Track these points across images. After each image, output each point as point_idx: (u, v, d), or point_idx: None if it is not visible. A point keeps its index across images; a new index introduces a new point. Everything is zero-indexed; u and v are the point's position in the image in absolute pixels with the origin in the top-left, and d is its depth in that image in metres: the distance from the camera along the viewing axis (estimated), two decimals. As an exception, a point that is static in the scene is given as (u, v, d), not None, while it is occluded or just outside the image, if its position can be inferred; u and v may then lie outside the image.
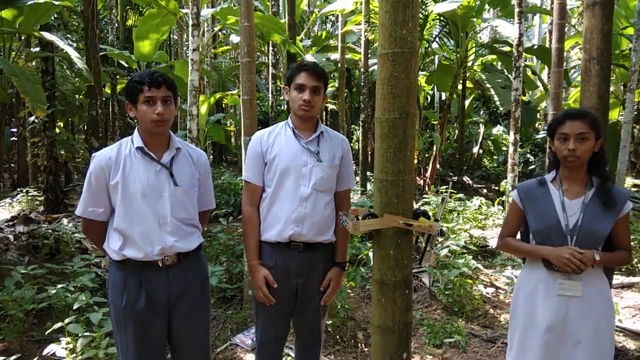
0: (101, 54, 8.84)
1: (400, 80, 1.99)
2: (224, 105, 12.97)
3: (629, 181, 13.25)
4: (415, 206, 7.37)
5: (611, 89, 12.23)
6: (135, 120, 2.09)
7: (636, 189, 12.17)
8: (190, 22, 5.03)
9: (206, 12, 8.11)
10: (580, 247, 1.93)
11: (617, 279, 5.32)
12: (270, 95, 9.11)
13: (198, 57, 4.67)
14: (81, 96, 9.52)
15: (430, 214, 2.19)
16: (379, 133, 2.08)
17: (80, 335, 2.82)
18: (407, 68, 1.98)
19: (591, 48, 3.29)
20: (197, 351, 2.19)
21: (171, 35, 17.08)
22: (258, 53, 15.10)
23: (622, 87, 11.23)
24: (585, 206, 1.96)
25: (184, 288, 2.10)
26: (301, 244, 2.22)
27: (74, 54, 6.54)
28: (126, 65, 11.89)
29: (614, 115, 11.81)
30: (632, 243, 5.94)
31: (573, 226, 1.96)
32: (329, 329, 3.54)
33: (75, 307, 3.16)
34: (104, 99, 8.93)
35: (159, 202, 2.02)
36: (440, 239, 4.25)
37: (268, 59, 10.14)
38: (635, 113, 10.99)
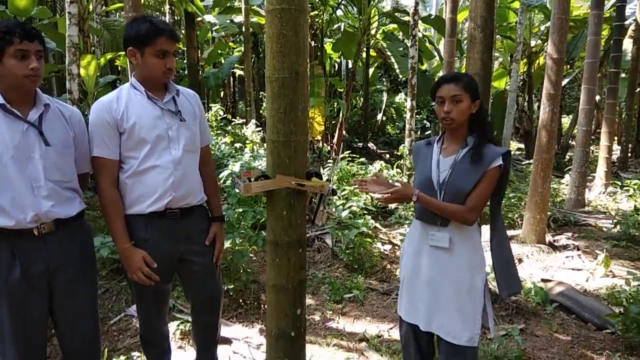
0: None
1: (288, 38, 1.96)
2: (119, 67, 12.08)
3: (514, 145, 14.59)
4: (323, 172, 7.48)
5: (499, 59, 13.21)
6: None
7: (520, 152, 13.44)
8: (69, -27, 4.54)
9: (93, -37, 7.38)
10: (447, 201, 2.03)
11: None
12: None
13: (77, 10, 4.23)
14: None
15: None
16: (270, 93, 2.05)
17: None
18: (296, 26, 1.96)
19: (476, 16, 3.49)
20: (83, 325, 2.06)
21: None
22: (157, 13, 14.12)
23: (509, 58, 12.15)
24: (455, 163, 2.06)
25: (64, 258, 1.95)
26: (177, 211, 2.14)
27: None
28: None
29: (502, 84, 12.82)
30: (512, 200, 6.60)
31: (442, 181, 2.07)
32: (231, 293, 3.54)
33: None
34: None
35: (29, 164, 1.84)
36: (333, 198, 4.37)
37: (166, 19, 9.53)
38: (520, 82, 12.03)
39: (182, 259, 2.21)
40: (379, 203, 2.05)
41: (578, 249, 5.31)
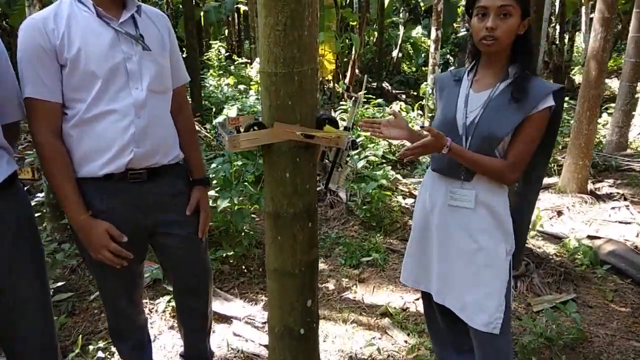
0: None
1: None
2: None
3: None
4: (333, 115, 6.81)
5: (529, -14, 11.98)
6: None
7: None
8: None
9: None
10: (474, 150, 1.54)
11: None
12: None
13: None
14: None
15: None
16: (263, 1, 1.41)
17: None
18: None
19: None
20: (32, 317, 1.53)
21: None
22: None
23: (539, -16, 10.97)
24: (490, 100, 1.55)
25: None
26: (143, 172, 1.58)
27: None
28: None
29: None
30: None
31: (469, 124, 1.57)
32: (231, 261, 3.04)
33: None
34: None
35: None
36: (352, 153, 3.75)
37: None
38: (551, 11, 10.91)
39: (154, 232, 1.68)
40: (401, 157, 1.52)
41: (625, 199, 4.71)
